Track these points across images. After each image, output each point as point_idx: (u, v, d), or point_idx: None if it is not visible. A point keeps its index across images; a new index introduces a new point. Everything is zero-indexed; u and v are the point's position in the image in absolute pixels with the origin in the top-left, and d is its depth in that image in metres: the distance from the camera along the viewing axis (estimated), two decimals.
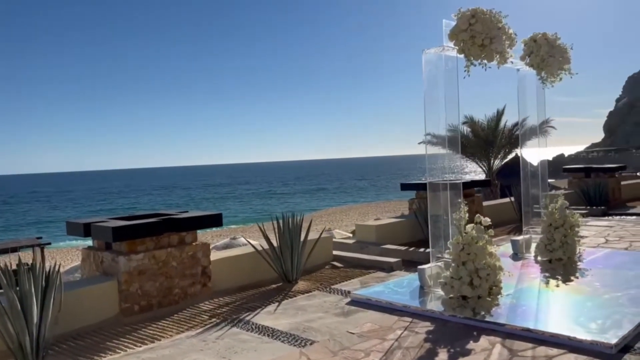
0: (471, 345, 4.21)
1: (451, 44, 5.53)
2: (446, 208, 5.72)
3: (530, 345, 4.10)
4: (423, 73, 5.72)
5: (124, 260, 5.37)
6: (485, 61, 5.62)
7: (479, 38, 5.35)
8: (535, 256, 7.05)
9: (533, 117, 7.58)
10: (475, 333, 4.47)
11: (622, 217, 11.05)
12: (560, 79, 6.74)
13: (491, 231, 5.43)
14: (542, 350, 4.00)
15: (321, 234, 7.27)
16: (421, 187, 10.06)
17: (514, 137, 21.20)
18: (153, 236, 5.65)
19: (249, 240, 6.97)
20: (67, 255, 38.65)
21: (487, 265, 5.25)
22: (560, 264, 6.71)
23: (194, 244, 6.04)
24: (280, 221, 6.58)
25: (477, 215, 5.44)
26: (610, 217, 10.98)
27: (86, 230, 5.66)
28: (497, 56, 5.68)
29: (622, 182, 13.86)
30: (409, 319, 4.95)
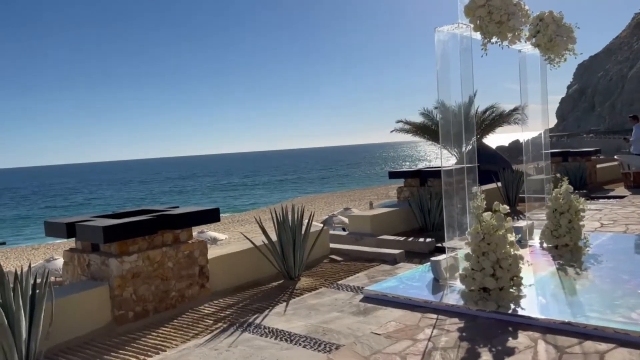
0: (511, 342, 3.93)
1: (466, 21, 5.20)
2: (462, 195, 5.43)
3: (575, 340, 3.85)
4: (436, 52, 5.37)
5: (115, 262, 4.81)
6: (499, 40, 5.33)
7: (497, 14, 5.05)
8: (541, 243, 6.89)
9: (534, 99, 7.39)
10: (510, 328, 4.20)
11: (606, 200, 11.15)
12: (565, 59, 6.54)
13: (509, 219, 5.18)
14: (590, 345, 3.75)
15: (323, 227, 6.87)
16: (409, 174, 9.83)
17: (485, 123, 21.37)
18: (145, 235, 5.11)
19: (246, 235, 6.46)
20: (22, 255, 36.75)
21: (508, 255, 5.00)
22: (567, 249, 6.57)
23: (189, 242, 5.52)
24: (277, 213, 6.13)
25: (496, 203, 5.17)
26: (594, 201, 11.05)
27: (69, 230, 5.05)
28: (510, 35, 5.40)
29: (597, 165, 14.09)
30: (434, 316, 4.63)
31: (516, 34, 5.46)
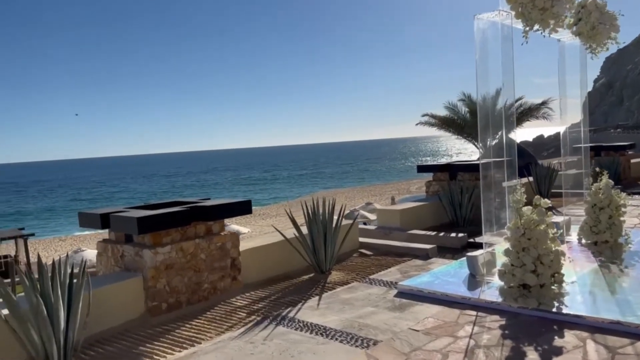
0: (558, 341, 3.78)
1: (507, 8, 5.02)
2: (499, 189, 5.27)
3: (626, 340, 3.69)
4: (475, 41, 5.20)
5: (149, 254, 4.79)
6: (541, 27, 5.13)
7: (540, 0, 4.84)
8: (579, 239, 6.67)
9: (572, 91, 7.14)
10: (555, 327, 4.05)
11: None
12: (607, 48, 6.28)
13: (550, 213, 5.00)
14: None
15: (354, 221, 6.76)
16: (438, 168, 9.66)
17: (513, 117, 20.89)
18: (179, 227, 5.08)
19: (277, 229, 6.40)
20: (50, 246, 37.54)
21: (549, 251, 4.83)
22: (607, 246, 6.35)
23: (222, 233, 5.48)
24: (309, 207, 6.05)
25: (537, 197, 5.00)
26: (630, 196, 10.68)
27: (104, 221, 5.05)
28: (552, 22, 5.19)
29: (632, 160, 13.65)
30: (473, 313, 4.50)
31: (559, 21, 5.26)
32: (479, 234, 7.71)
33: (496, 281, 5.06)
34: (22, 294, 3.74)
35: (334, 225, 6.16)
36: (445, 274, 5.56)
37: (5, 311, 3.70)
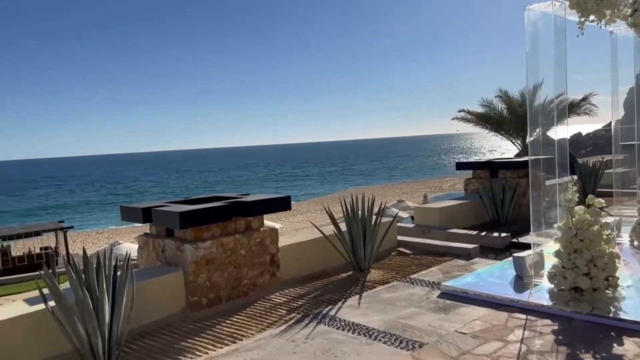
0: (617, 349, 3.57)
1: None
2: (549, 188, 5.04)
3: None
4: (525, 33, 4.98)
5: (190, 248, 4.78)
6: (596, 18, 4.87)
7: None
8: (631, 240, 6.35)
9: (624, 86, 6.80)
10: (612, 334, 3.83)
11: None
12: None
13: (604, 213, 4.75)
14: None
15: (394, 219, 6.62)
16: (478, 166, 9.40)
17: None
18: (220, 222, 5.05)
19: (316, 225, 6.32)
20: (87, 239, 38.59)
21: (603, 253, 4.59)
22: None
23: (261, 229, 5.43)
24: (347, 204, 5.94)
25: (590, 196, 4.75)
26: None
27: (145, 215, 5.07)
28: (609, 13, 4.92)
29: None
30: (522, 316, 4.31)
31: (615, 11, 4.98)
32: (522, 233, 7.48)
33: (545, 283, 4.85)
34: (64, 285, 3.76)
35: (373, 222, 6.03)
36: (490, 275, 5.37)
37: (52, 303, 3.74)
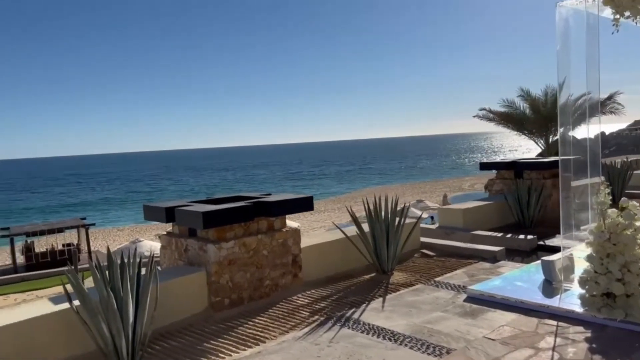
0: None
1: None
2: (582, 189, 4.89)
3: None
4: (556, 31, 4.83)
5: (213, 248, 4.75)
6: (632, 15, 4.69)
7: None
8: None
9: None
10: None
11: None
12: None
13: (638, 216, 4.58)
14: None
15: (419, 218, 6.51)
16: (503, 166, 9.22)
17: (578, 113, 19.84)
18: (243, 222, 5.01)
19: (338, 226, 6.25)
20: (108, 236, 39.10)
21: (638, 258, 4.42)
22: None
23: (283, 230, 5.38)
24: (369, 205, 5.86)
25: (624, 198, 4.59)
26: None
27: (169, 214, 5.06)
28: None
29: None
30: (553, 322, 4.18)
31: None
32: (549, 236, 7.30)
33: (575, 289, 4.70)
34: (87, 281, 3.75)
35: (396, 223, 5.93)
36: (518, 279, 5.23)
37: (76, 302, 3.74)
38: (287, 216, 5.58)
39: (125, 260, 3.82)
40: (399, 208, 6.10)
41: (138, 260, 3.86)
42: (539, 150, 22.48)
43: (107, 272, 3.71)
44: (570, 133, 5.19)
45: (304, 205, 5.47)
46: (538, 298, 4.63)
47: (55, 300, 4.07)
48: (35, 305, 4.01)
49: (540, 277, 5.17)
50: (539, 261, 5.68)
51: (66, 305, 3.82)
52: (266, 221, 5.28)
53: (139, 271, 3.91)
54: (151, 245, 22.05)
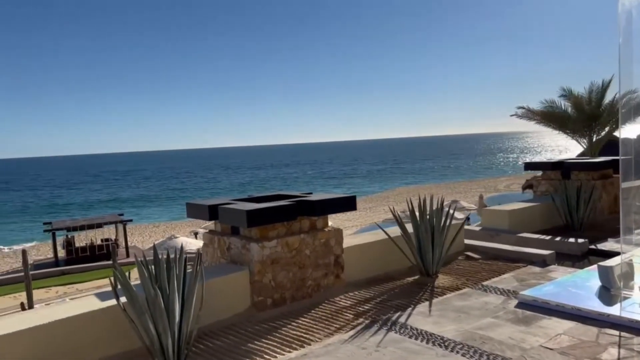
0: None
1: None
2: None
3: None
4: (618, 23, 4.55)
5: (256, 247, 4.69)
6: None
7: None
8: None
9: None
10: None
11: None
12: None
13: None
14: None
15: (465, 220, 6.30)
16: (549, 166, 8.87)
17: (623, 111, 19.04)
18: (286, 221, 4.93)
19: (381, 227, 6.10)
20: (144, 232, 39.93)
21: None
22: None
23: (326, 229, 5.28)
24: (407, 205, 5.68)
25: None
26: None
27: (212, 213, 5.02)
28: None
29: None
30: (614, 332, 3.94)
31: None
32: (600, 239, 6.97)
33: (637, 296, 4.44)
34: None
35: (442, 224, 5.74)
36: (572, 285, 4.98)
37: (123, 299, 3.73)
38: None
39: (172, 256, 3.78)
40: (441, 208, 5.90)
41: (185, 257, 3.81)
42: (580, 150, 21.71)
43: (153, 269, 3.68)
44: (631, 132, 4.90)
45: (347, 204, 5.34)
46: (596, 306, 4.38)
47: (101, 296, 4.08)
48: (82, 301, 4.03)
49: (596, 283, 4.91)
50: (593, 266, 5.42)
51: (112, 302, 3.82)
52: (308, 221, 5.19)
53: (186, 269, 3.87)
54: (186, 241, 22.36)
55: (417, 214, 5.68)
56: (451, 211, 5.95)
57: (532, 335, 3.97)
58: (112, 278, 3.89)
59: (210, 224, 28.37)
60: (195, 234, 27.48)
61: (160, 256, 3.75)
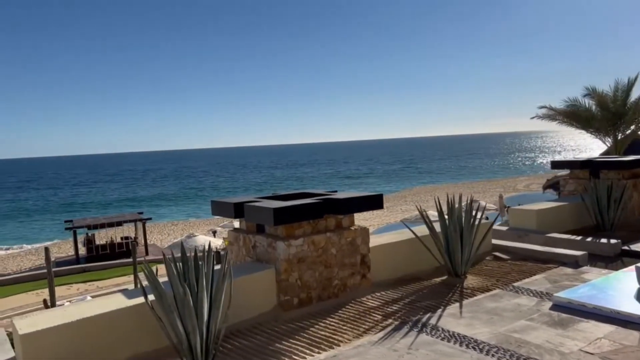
0: None
1: None
2: None
3: None
4: None
5: (283, 246, 4.61)
6: None
7: None
8: None
9: None
10: None
11: None
12: None
13: None
14: None
15: (495, 219, 6.15)
16: (577, 165, 8.65)
17: None
18: (312, 219, 4.85)
19: (408, 226, 5.98)
20: (163, 230, 40.27)
21: None
22: None
23: (352, 228, 5.18)
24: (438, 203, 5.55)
25: None
26: None
27: (237, 210, 4.95)
28: None
29: None
30: None
31: None
32: (632, 240, 6.76)
33: None
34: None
35: (470, 223, 5.60)
36: (608, 287, 4.80)
37: (151, 297, 3.68)
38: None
39: (200, 254, 3.72)
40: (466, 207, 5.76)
41: (213, 254, 3.75)
42: (604, 149, 21.26)
43: (181, 267, 3.63)
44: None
45: (374, 203, 5.23)
46: (636, 309, 4.20)
47: (128, 294, 4.04)
48: (111, 299, 3.99)
49: (634, 285, 4.73)
50: (629, 268, 5.24)
51: (140, 299, 3.77)
52: (334, 219, 5.10)
53: (213, 267, 3.80)
54: (205, 239, 22.46)
55: (444, 212, 5.54)
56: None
57: (570, 339, 3.82)
58: (139, 275, 3.84)
59: (228, 222, 28.49)
60: (214, 232, 27.64)
61: (188, 254, 3.69)
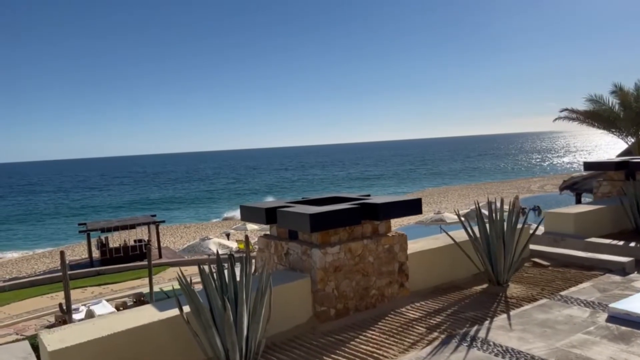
0: None
1: None
2: None
3: None
4: None
5: (319, 253, 4.35)
6: None
7: None
8: None
9: None
10: None
11: None
12: None
13: None
14: None
15: (538, 224, 5.84)
16: (612, 166, 8.30)
17: None
18: (350, 225, 4.58)
19: (447, 232, 5.69)
20: (176, 233, 40.16)
21: None
22: None
23: (389, 234, 4.91)
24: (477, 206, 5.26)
25: None
26: None
27: (269, 216, 4.70)
28: None
29: None
30: None
31: None
32: None
33: None
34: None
35: (512, 227, 5.30)
36: None
37: (187, 308, 3.44)
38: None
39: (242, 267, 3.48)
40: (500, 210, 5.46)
41: (252, 268, 3.50)
42: (614, 149, 20.76)
43: (218, 279, 3.38)
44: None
45: (412, 207, 4.96)
46: None
47: (159, 306, 3.81)
48: (143, 311, 3.75)
49: None
50: None
51: (172, 312, 3.54)
52: (371, 225, 4.83)
53: (251, 278, 3.55)
54: (219, 242, 22.25)
55: (487, 216, 5.25)
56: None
57: (637, 355, 3.53)
58: (173, 286, 3.60)
59: (241, 225, 28.27)
60: (227, 235, 27.46)
61: (225, 265, 3.45)
